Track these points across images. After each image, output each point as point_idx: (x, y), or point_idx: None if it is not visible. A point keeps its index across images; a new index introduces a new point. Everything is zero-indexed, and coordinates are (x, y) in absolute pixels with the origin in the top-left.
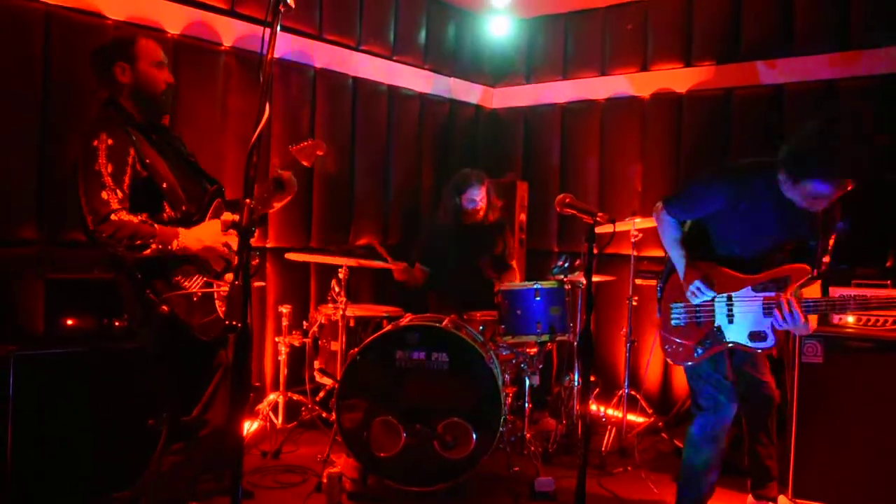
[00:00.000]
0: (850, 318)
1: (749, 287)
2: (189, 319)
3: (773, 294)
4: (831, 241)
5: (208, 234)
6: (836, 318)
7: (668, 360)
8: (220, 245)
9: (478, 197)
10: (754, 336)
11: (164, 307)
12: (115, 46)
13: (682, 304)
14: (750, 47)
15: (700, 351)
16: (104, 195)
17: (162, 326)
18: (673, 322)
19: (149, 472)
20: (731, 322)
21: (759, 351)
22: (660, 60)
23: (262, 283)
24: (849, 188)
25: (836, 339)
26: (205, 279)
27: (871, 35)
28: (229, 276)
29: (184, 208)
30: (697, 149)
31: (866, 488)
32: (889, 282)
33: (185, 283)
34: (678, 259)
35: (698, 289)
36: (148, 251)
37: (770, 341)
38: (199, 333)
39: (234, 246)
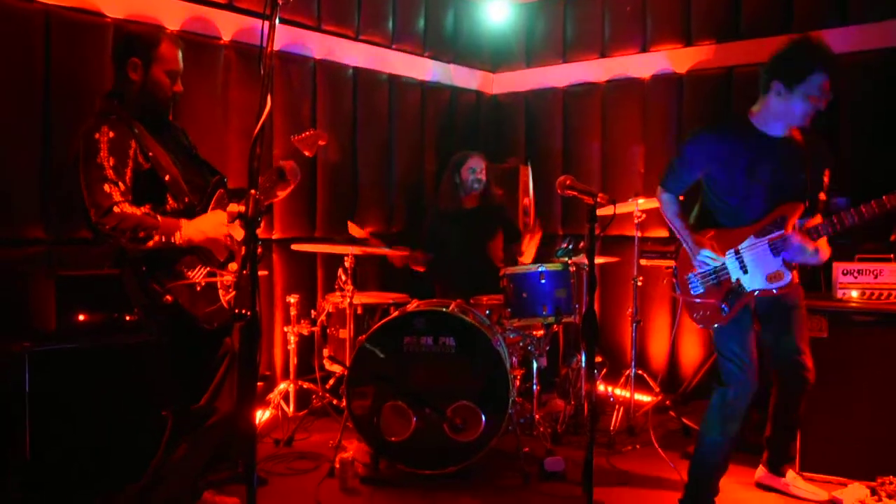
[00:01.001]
0: (854, 293)
1: (752, 236)
2: (193, 309)
3: (776, 234)
4: (826, 178)
5: (211, 224)
6: (839, 293)
7: (700, 327)
8: (223, 235)
9: (478, 166)
10: (771, 278)
11: (168, 297)
12: (136, 41)
13: (695, 273)
14: (749, 25)
15: (726, 308)
16: (106, 188)
17: (167, 317)
18: (693, 291)
19: (156, 461)
20: (746, 272)
21: (776, 291)
22: (659, 41)
23: (266, 273)
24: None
25: (841, 313)
26: (208, 269)
27: (870, 9)
28: (233, 266)
29: (186, 199)
30: None
31: (872, 461)
32: (892, 255)
33: (189, 274)
34: (682, 231)
35: (708, 258)
36: (151, 243)
37: (787, 277)
38: (203, 323)
39: (237, 236)
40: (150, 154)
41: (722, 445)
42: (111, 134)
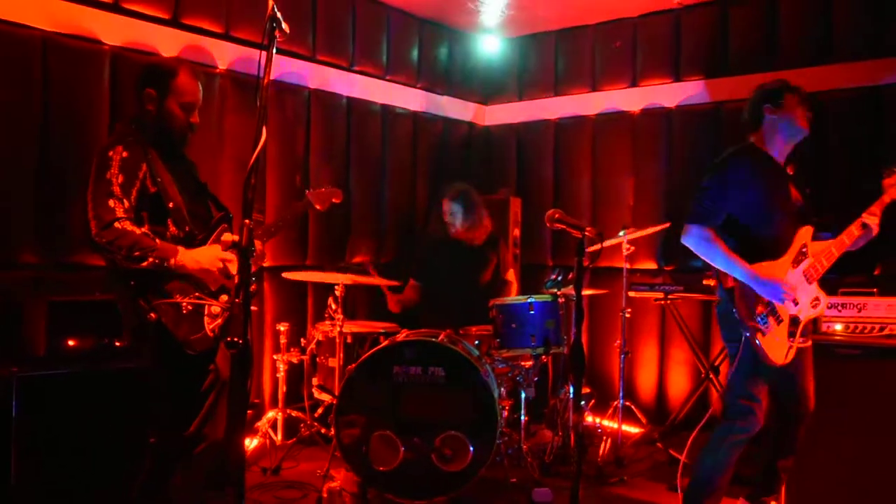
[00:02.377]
0: (838, 326)
1: (790, 269)
2: (176, 330)
3: (808, 264)
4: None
5: (207, 256)
6: (824, 327)
7: (776, 363)
8: (216, 268)
9: (449, 209)
10: (814, 303)
11: (153, 314)
12: (153, 72)
13: (763, 314)
14: (737, 62)
15: (791, 343)
16: (111, 203)
17: (153, 336)
18: (765, 332)
19: (137, 489)
20: (797, 303)
21: (818, 312)
22: (649, 76)
23: (256, 308)
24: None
25: (825, 346)
26: (196, 294)
27: (853, 49)
28: (223, 298)
29: (187, 228)
30: (688, 163)
31: (856, 494)
32: (876, 290)
33: (176, 296)
34: (739, 267)
35: (781, 290)
36: (145, 263)
37: (823, 301)
38: (184, 346)
39: (231, 269)
40: (159, 179)
41: (717, 474)
42: (125, 154)
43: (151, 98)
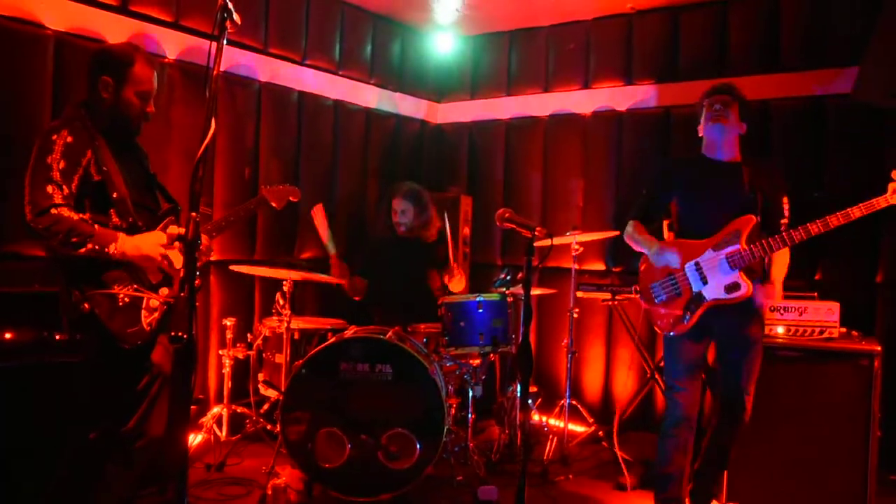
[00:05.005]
0: (780, 329)
1: (710, 248)
2: (110, 323)
3: (732, 248)
4: (785, 205)
5: (149, 243)
6: (766, 329)
7: (660, 331)
8: (158, 255)
9: (400, 208)
10: (729, 288)
11: (86, 304)
12: (109, 60)
13: (658, 283)
14: (687, 68)
15: (687, 317)
16: (49, 189)
17: (88, 328)
18: (656, 300)
19: (58, 481)
20: (705, 283)
21: (733, 298)
22: (601, 79)
23: (199, 304)
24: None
25: (767, 348)
26: (135, 286)
27: (801, 59)
28: (164, 291)
29: (131, 219)
30: (637, 166)
31: (796, 492)
32: (816, 293)
33: (114, 286)
34: (644, 241)
35: (672, 257)
36: (83, 250)
37: (744, 288)
38: (118, 339)
39: (175, 261)
40: (105, 168)
41: (669, 453)
42: (69, 139)
43: (107, 85)
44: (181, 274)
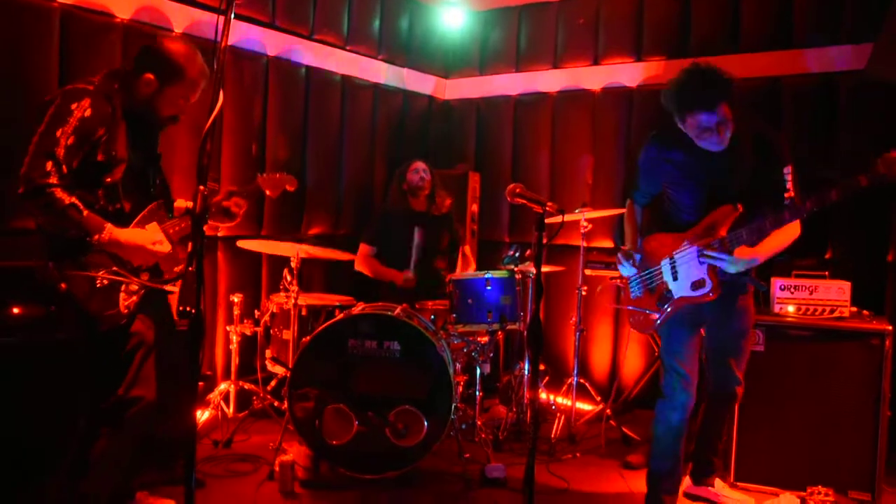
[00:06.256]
0: (791, 308)
1: (687, 241)
2: (86, 304)
3: (705, 241)
4: (789, 176)
5: (144, 235)
6: (777, 308)
7: (635, 331)
8: (149, 245)
9: (421, 167)
10: (695, 285)
11: (63, 285)
12: (162, 60)
13: (636, 277)
14: (698, 44)
15: (658, 315)
16: (48, 166)
17: (71, 309)
18: (632, 295)
19: (71, 455)
20: (675, 279)
21: (698, 297)
22: (611, 55)
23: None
24: (727, 115)
25: (777, 327)
26: (115, 268)
27: (813, 35)
28: (144, 276)
29: (118, 205)
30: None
31: (804, 471)
32: (827, 272)
33: (93, 271)
34: (628, 235)
35: (623, 267)
36: (68, 234)
37: (708, 286)
38: (95, 321)
39: (162, 250)
40: (113, 153)
41: (668, 447)
42: (88, 112)
43: (150, 83)
44: (189, 249)
